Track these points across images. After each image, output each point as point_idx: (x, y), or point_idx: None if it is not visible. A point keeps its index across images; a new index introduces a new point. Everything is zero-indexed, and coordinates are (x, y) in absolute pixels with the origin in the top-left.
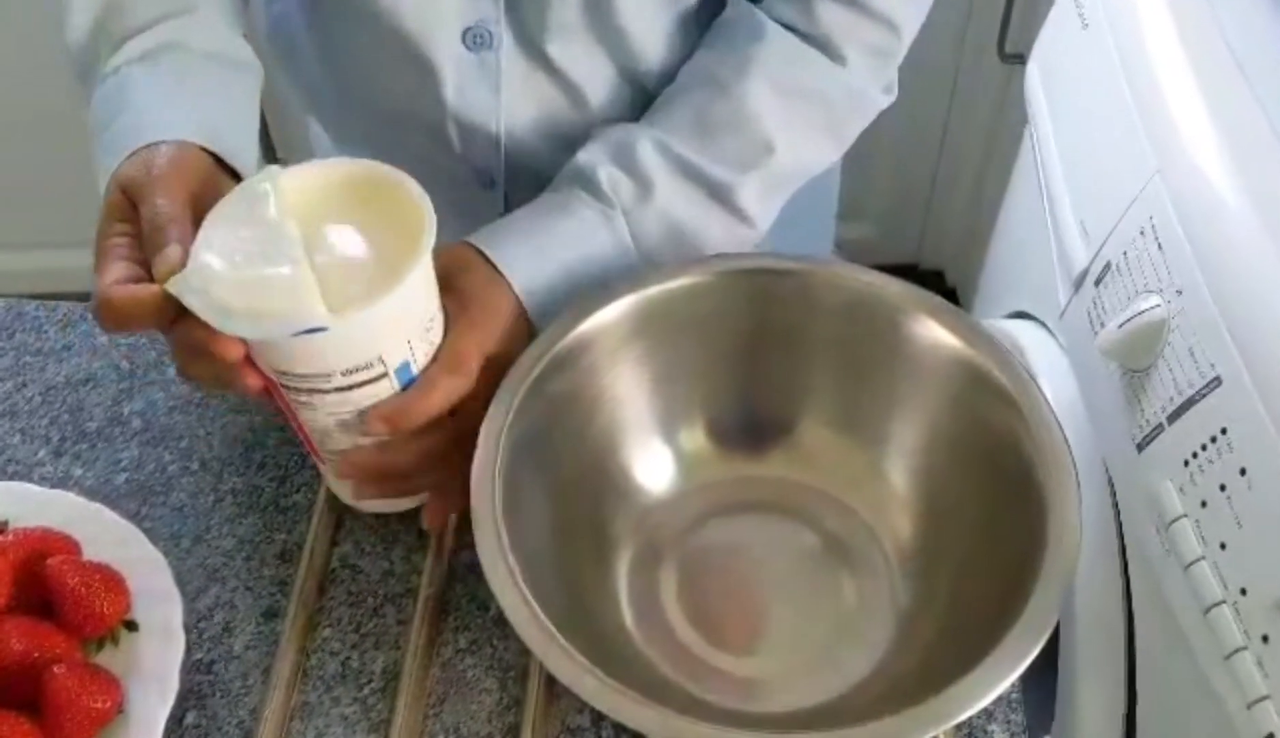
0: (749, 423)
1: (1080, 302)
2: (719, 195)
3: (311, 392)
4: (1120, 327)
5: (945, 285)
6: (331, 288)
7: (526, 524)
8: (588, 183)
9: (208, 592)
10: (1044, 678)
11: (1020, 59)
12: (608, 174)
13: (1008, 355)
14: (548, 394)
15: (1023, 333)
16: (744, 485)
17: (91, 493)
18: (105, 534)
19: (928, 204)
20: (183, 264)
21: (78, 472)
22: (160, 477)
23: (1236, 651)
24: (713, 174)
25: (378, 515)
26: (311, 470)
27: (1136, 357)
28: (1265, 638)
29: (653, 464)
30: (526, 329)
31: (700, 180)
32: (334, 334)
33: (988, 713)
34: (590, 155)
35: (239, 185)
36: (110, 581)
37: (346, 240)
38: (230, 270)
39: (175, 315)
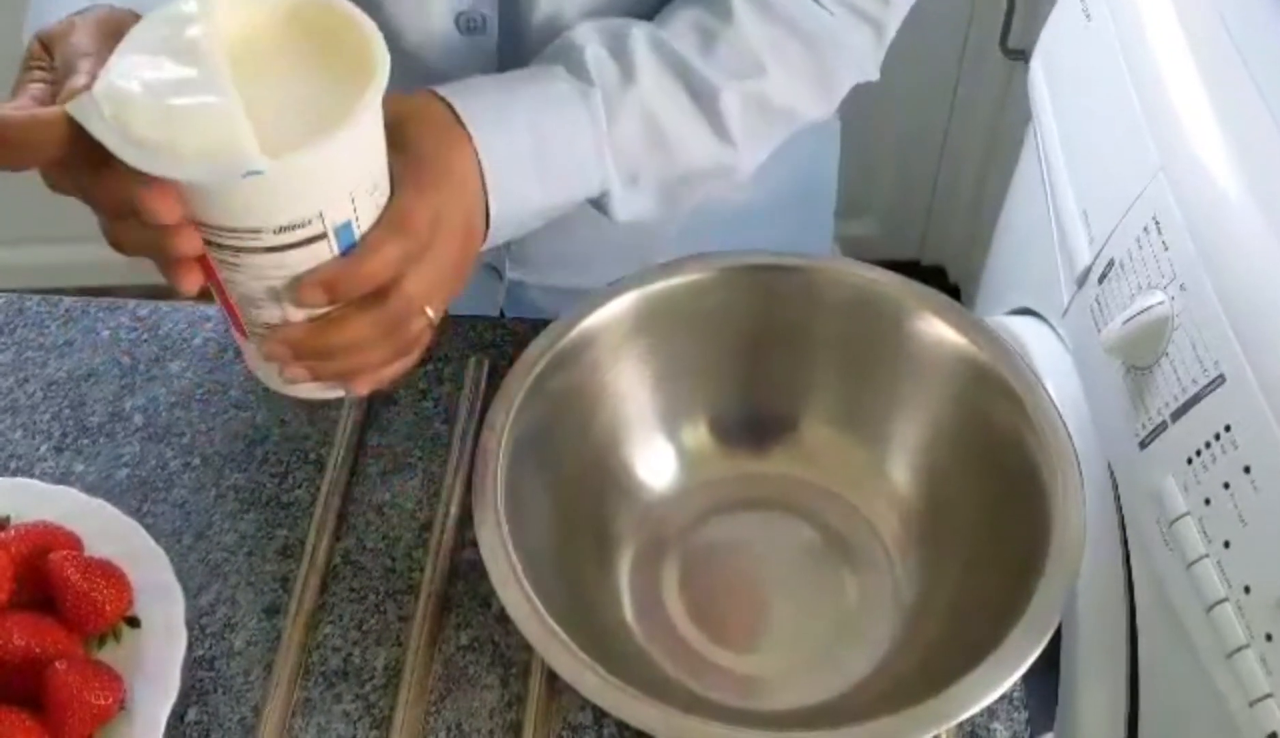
0: (752, 420)
1: (1083, 299)
2: (702, 99)
3: (238, 250)
4: (1124, 324)
5: (948, 282)
6: (266, 130)
7: (528, 521)
8: (571, 59)
9: (209, 588)
10: (1046, 677)
11: (1023, 55)
12: (594, 53)
13: (1011, 353)
14: (550, 391)
15: (1026, 330)
16: (746, 482)
17: (93, 489)
18: (107, 530)
19: (930, 201)
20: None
21: (79, 468)
22: (162, 473)
23: (1239, 649)
24: (701, 74)
25: (380, 514)
26: (314, 466)
27: (1140, 354)
28: (1269, 636)
29: (655, 461)
30: (483, 202)
31: (686, 79)
32: (268, 180)
33: (990, 712)
34: (580, 34)
35: (161, 8)
36: (112, 577)
37: (286, 77)
38: (147, 97)
39: (94, 156)
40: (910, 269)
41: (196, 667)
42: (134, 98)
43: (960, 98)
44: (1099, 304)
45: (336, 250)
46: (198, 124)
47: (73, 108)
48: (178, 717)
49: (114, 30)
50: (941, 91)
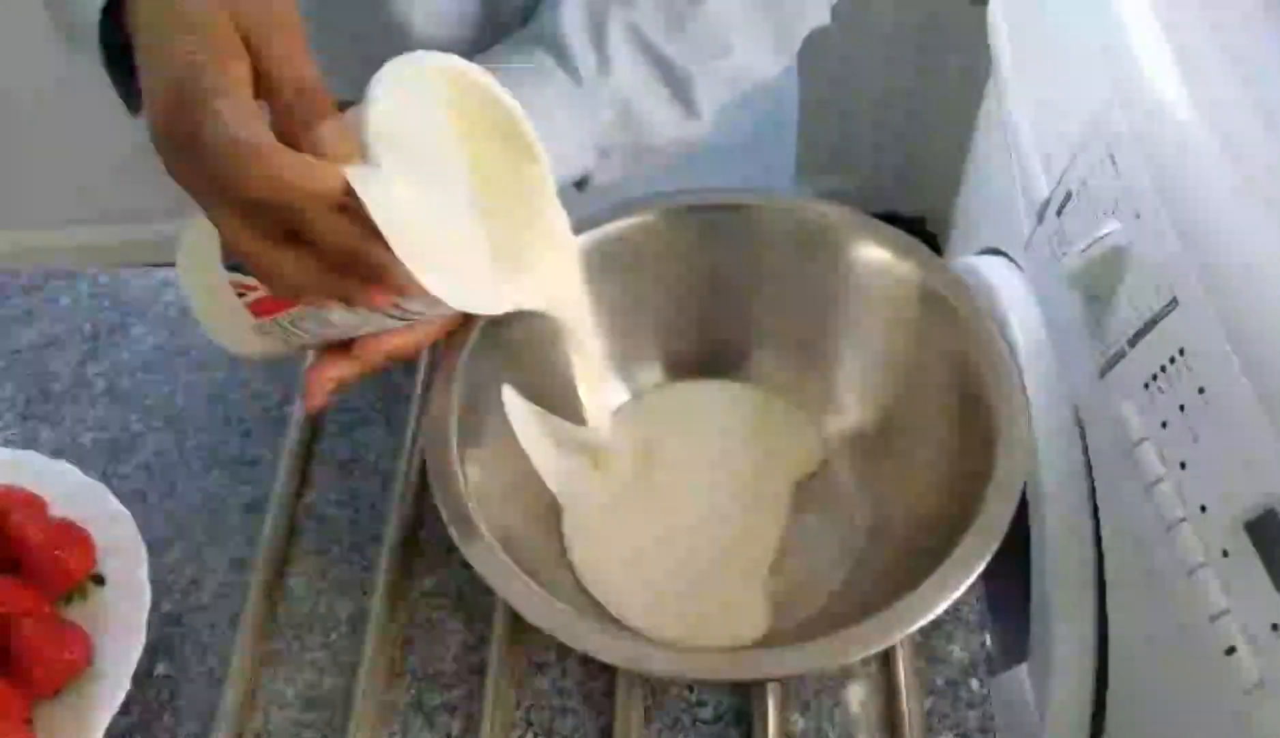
0: (705, 357)
1: (1043, 232)
2: (676, 87)
3: (381, 313)
4: (1081, 253)
5: (927, 231)
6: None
7: (485, 466)
8: (560, 49)
9: (175, 545)
10: (1019, 607)
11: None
12: (579, 43)
13: (953, 275)
14: (501, 339)
15: (989, 268)
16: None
17: (58, 454)
18: (71, 493)
19: (906, 153)
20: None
21: (44, 434)
22: (126, 436)
23: (1198, 567)
24: (675, 62)
25: (343, 468)
26: (277, 423)
27: (1098, 282)
28: (1225, 553)
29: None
30: None
31: (661, 68)
32: None
33: (947, 634)
34: (566, 20)
35: (400, 64)
36: (76, 536)
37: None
38: (415, 202)
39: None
40: (889, 220)
41: (164, 622)
42: (406, 200)
43: (931, 49)
44: (1058, 236)
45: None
46: (461, 255)
47: (355, 180)
48: (146, 671)
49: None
50: (913, 44)
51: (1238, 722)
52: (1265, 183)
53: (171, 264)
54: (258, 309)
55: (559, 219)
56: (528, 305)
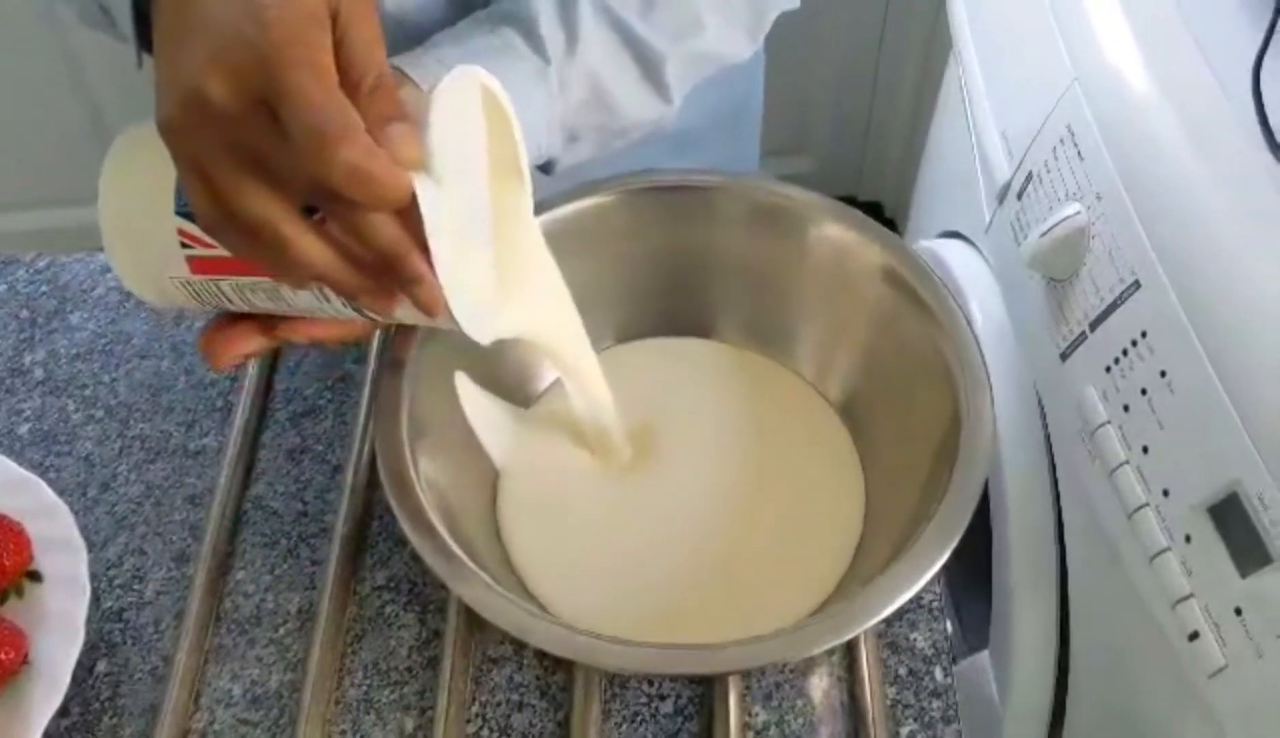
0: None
1: (1004, 215)
2: (647, 67)
3: (354, 309)
4: (1042, 236)
5: (884, 216)
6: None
7: (437, 457)
8: (527, 28)
9: (116, 539)
10: (981, 595)
11: None
12: (547, 21)
13: (913, 256)
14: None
15: (949, 251)
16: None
17: None
18: (6, 485)
19: (865, 137)
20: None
21: None
22: (64, 426)
23: (1161, 552)
24: (646, 41)
25: (291, 458)
26: (222, 413)
27: (1059, 266)
28: (1188, 538)
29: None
30: None
31: (633, 47)
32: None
33: (911, 622)
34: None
35: (460, 74)
36: (11, 531)
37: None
38: (453, 219)
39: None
40: (848, 205)
41: (105, 619)
42: (440, 216)
43: (890, 32)
44: (1019, 219)
45: None
46: (472, 270)
47: (420, 189)
48: (86, 670)
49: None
50: (872, 27)
51: (1201, 707)
52: (1228, 164)
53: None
54: (200, 266)
55: (541, 244)
56: (524, 333)
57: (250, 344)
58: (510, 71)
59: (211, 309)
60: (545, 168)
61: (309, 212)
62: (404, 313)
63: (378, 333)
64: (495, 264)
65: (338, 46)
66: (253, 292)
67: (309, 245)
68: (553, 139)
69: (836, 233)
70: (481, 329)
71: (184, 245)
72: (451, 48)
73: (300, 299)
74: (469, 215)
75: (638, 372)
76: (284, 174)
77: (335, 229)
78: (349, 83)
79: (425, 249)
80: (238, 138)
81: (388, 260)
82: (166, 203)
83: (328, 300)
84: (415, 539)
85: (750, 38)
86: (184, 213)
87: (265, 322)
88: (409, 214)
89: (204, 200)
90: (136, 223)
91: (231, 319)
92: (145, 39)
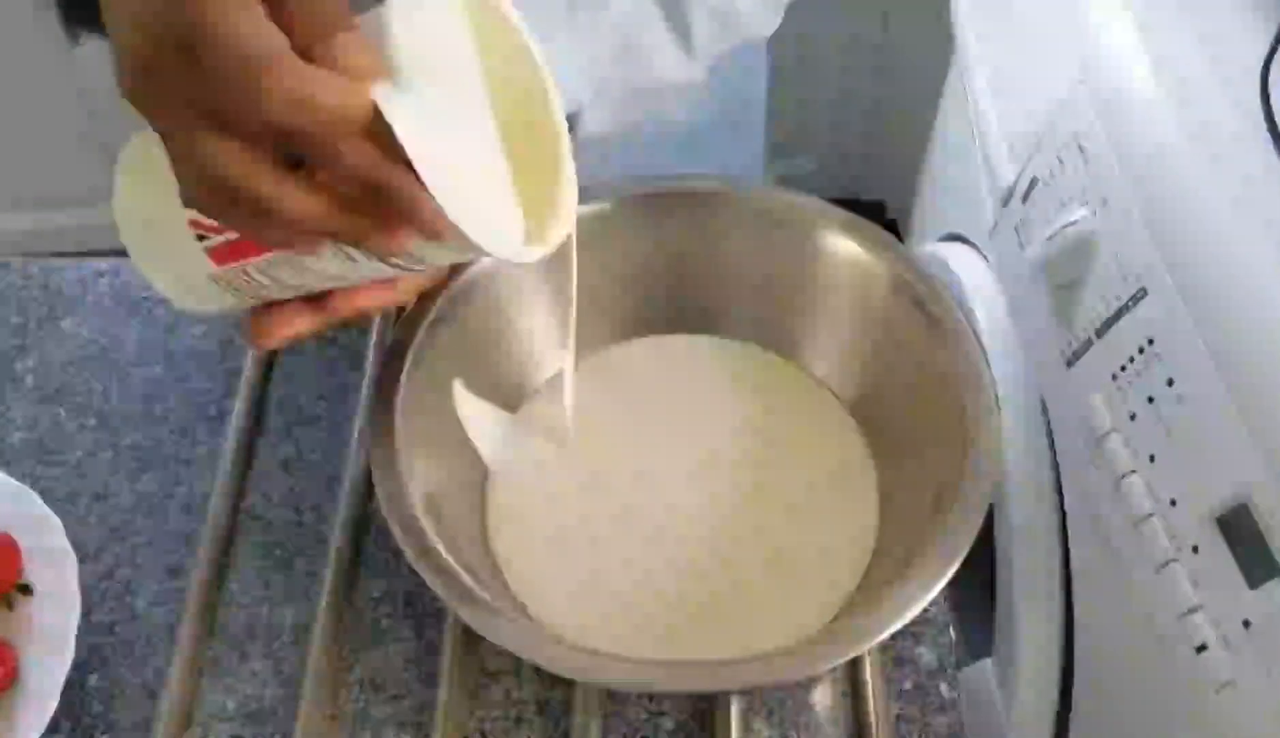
0: None
1: (1008, 219)
2: (674, 15)
3: (379, 260)
4: (1047, 241)
5: (886, 217)
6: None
7: (433, 467)
8: None
9: (108, 550)
10: (983, 602)
11: None
12: None
13: (920, 265)
14: (448, 334)
15: (954, 256)
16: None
17: None
18: None
19: (867, 137)
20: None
21: None
22: (56, 435)
23: (1167, 562)
24: None
25: (286, 468)
26: (215, 422)
27: (1064, 271)
28: (1195, 549)
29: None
30: None
31: (662, 1)
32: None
33: (915, 636)
34: None
35: None
36: (0, 543)
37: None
38: (442, 130)
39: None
40: (849, 205)
41: (96, 632)
42: (429, 129)
43: (893, 31)
44: (1023, 224)
45: None
46: (481, 185)
47: (382, 99)
48: (77, 685)
49: None
50: (874, 27)
51: (1207, 721)
52: (1236, 169)
53: (106, 252)
54: (220, 255)
55: (569, 156)
56: (550, 249)
57: (298, 322)
58: (539, 13)
59: (247, 304)
60: (570, 124)
61: (297, 165)
62: (429, 250)
63: (374, 340)
64: (519, 174)
65: None
66: (279, 269)
67: (293, 197)
68: (581, 88)
69: (842, 241)
70: (511, 246)
71: (199, 238)
72: None
73: (328, 264)
74: (467, 127)
75: (640, 368)
76: (240, 123)
77: (321, 175)
78: (275, 3)
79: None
80: (187, 93)
81: (374, 190)
82: (174, 197)
83: (354, 260)
84: (412, 556)
85: (772, 9)
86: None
87: (313, 299)
88: (384, 134)
89: (188, 175)
90: (153, 229)
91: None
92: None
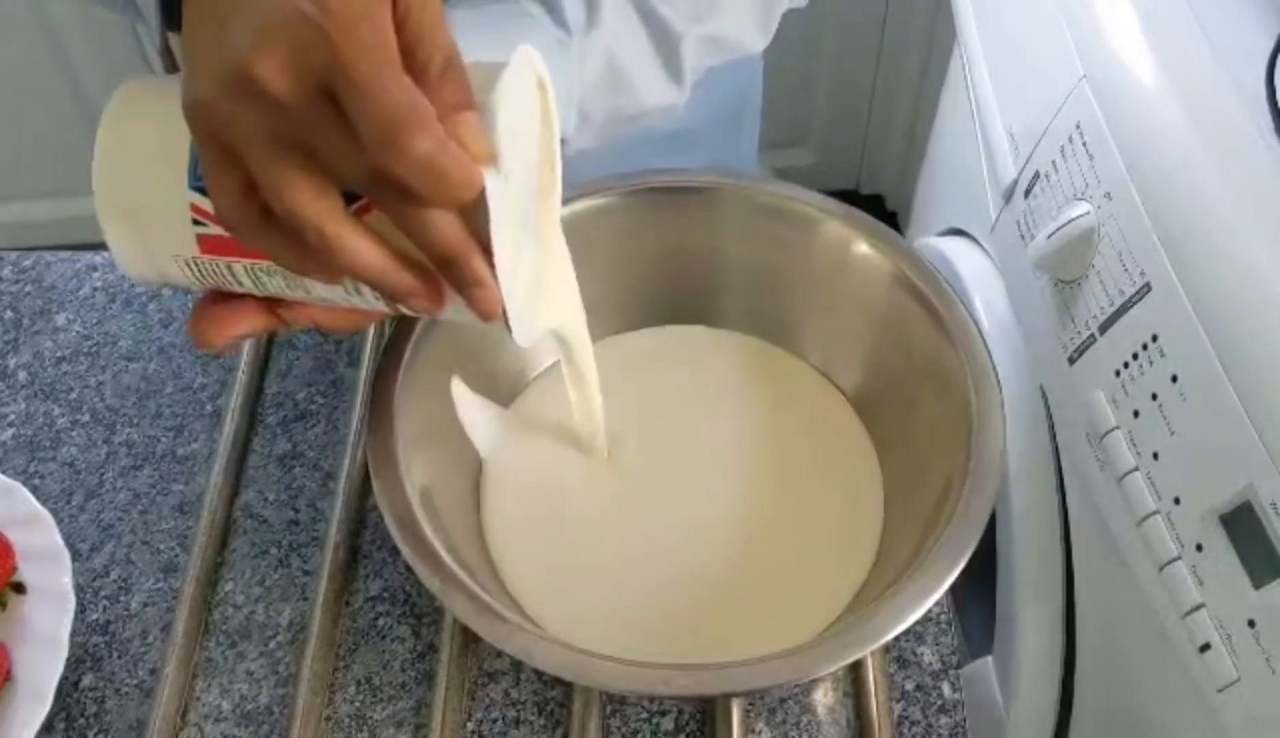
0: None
1: (1010, 214)
2: (664, 45)
3: (380, 298)
4: (1050, 236)
5: (885, 210)
6: None
7: (428, 463)
8: (548, 1)
9: (102, 549)
10: (984, 598)
11: None
12: None
13: (919, 258)
14: (444, 330)
15: (955, 250)
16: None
17: None
18: None
19: (866, 129)
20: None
21: None
22: (49, 431)
23: (1171, 561)
24: (665, 19)
25: (281, 465)
26: (210, 418)
27: (1067, 267)
28: (1199, 547)
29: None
30: None
31: (650, 25)
32: None
33: (918, 635)
34: None
35: (523, 57)
36: None
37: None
38: (511, 219)
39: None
40: (848, 198)
41: (90, 631)
42: (502, 217)
43: (892, 24)
44: (1026, 218)
45: None
46: (523, 271)
47: (490, 186)
48: (71, 684)
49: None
50: (873, 19)
51: (1210, 720)
52: (1241, 164)
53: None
54: (213, 246)
55: (561, 238)
56: (555, 327)
57: (247, 323)
58: (526, 40)
59: (201, 288)
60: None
61: (346, 200)
62: (455, 312)
63: (371, 334)
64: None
65: (400, 26)
66: (269, 276)
67: (358, 245)
68: (568, 113)
69: (844, 236)
70: (526, 330)
71: (197, 223)
72: (467, 11)
73: (326, 290)
74: (521, 212)
75: (639, 359)
76: (339, 167)
77: (381, 223)
78: (414, 66)
79: (486, 249)
80: (288, 127)
81: (447, 261)
82: (178, 176)
83: (359, 293)
84: (410, 556)
85: (761, 28)
86: (200, 187)
87: (264, 299)
88: (470, 212)
89: (233, 192)
90: (141, 196)
91: (225, 295)
92: (171, 16)
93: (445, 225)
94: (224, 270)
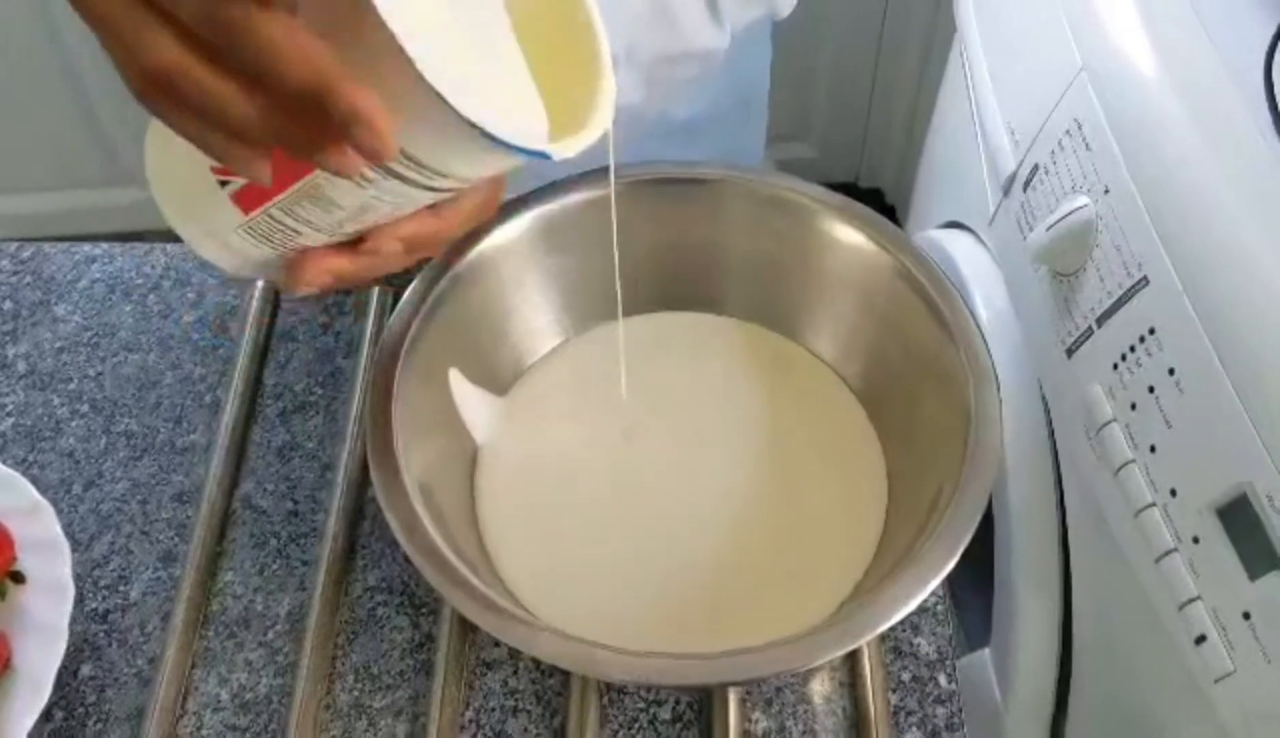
0: None
1: (1009, 207)
2: None
3: (398, 177)
4: (1049, 229)
5: (885, 203)
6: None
7: (427, 453)
8: None
9: (101, 539)
10: (982, 591)
11: None
12: None
13: (918, 250)
14: (449, 317)
15: (953, 243)
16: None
17: None
18: None
19: (865, 123)
20: None
21: None
22: (48, 421)
23: (1167, 553)
24: None
25: (280, 456)
26: (209, 409)
27: (1065, 259)
28: (1196, 539)
29: None
30: None
31: None
32: (515, 154)
33: (914, 626)
34: None
35: None
36: None
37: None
38: (437, 20)
39: None
40: (848, 192)
41: (89, 621)
42: (426, 15)
43: (892, 17)
44: (1024, 211)
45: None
46: (494, 78)
47: None
48: (70, 673)
49: None
50: (874, 12)
51: (1206, 711)
52: (1239, 157)
53: (99, 236)
54: (245, 200)
55: (606, 53)
56: (583, 143)
57: (331, 261)
58: None
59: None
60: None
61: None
62: (439, 154)
63: (369, 326)
64: (548, 79)
65: None
66: (303, 207)
67: (230, 97)
68: (616, 45)
69: (844, 229)
70: (531, 137)
71: (222, 183)
72: None
73: (346, 194)
74: (475, 11)
75: (642, 345)
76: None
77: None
78: None
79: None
80: None
81: (308, 98)
82: (192, 149)
83: (368, 181)
84: (408, 547)
85: None
86: None
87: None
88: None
89: (122, 56)
90: (181, 187)
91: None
92: None
93: (281, 49)
94: (271, 222)
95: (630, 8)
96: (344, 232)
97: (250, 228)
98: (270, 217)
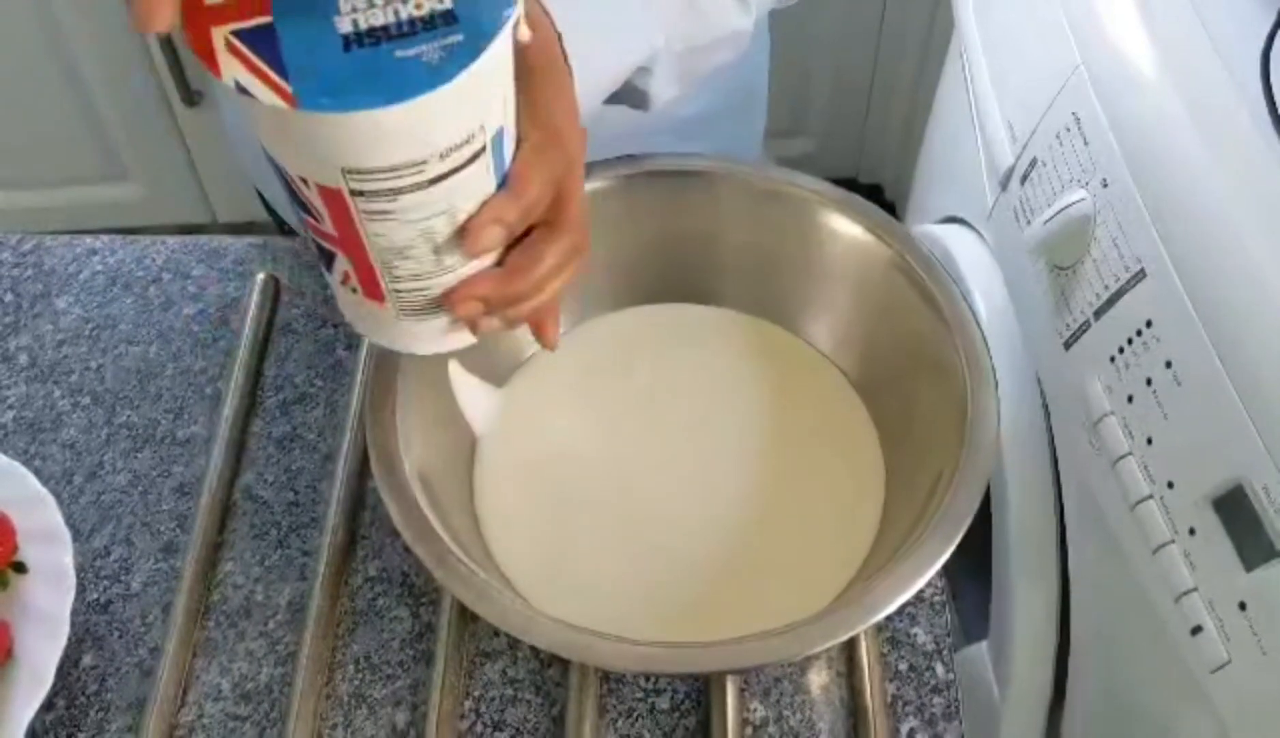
0: None
1: (1007, 200)
2: None
3: (396, 193)
4: (1046, 222)
5: (884, 199)
6: None
7: (427, 445)
8: None
9: (103, 530)
10: (979, 583)
11: None
12: None
13: (916, 244)
14: None
15: (950, 236)
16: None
17: None
18: None
19: (865, 119)
20: None
21: None
22: (50, 413)
23: (1164, 544)
24: None
25: (281, 447)
26: (210, 401)
27: (1063, 252)
28: (1192, 531)
29: None
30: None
31: None
32: (439, 96)
33: (911, 617)
34: None
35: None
36: None
37: None
38: None
39: None
40: (847, 188)
41: (91, 611)
42: None
43: (891, 13)
44: (1022, 205)
45: (492, 166)
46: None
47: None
48: (72, 663)
49: None
50: (872, 9)
51: (1202, 701)
52: (1236, 151)
53: (99, 230)
54: (371, 293)
55: None
56: None
57: (484, 287)
58: None
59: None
60: (638, 101)
61: None
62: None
63: None
64: None
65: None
66: (396, 266)
67: None
68: (652, 38)
69: (842, 222)
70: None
71: (353, 290)
72: None
73: (397, 233)
74: None
75: (640, 337)
76: None
77: None
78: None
79: None
80: None
81: None
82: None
83: (385, 214)
84: (409, 537)
85: None
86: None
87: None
88: None
89: None
90: (353, 312)
91: None
92: None
93: None
94: (402, 293)
95: (662, 3)
96: (448, 264)
97: (401, 310)
98: (396, 292)
